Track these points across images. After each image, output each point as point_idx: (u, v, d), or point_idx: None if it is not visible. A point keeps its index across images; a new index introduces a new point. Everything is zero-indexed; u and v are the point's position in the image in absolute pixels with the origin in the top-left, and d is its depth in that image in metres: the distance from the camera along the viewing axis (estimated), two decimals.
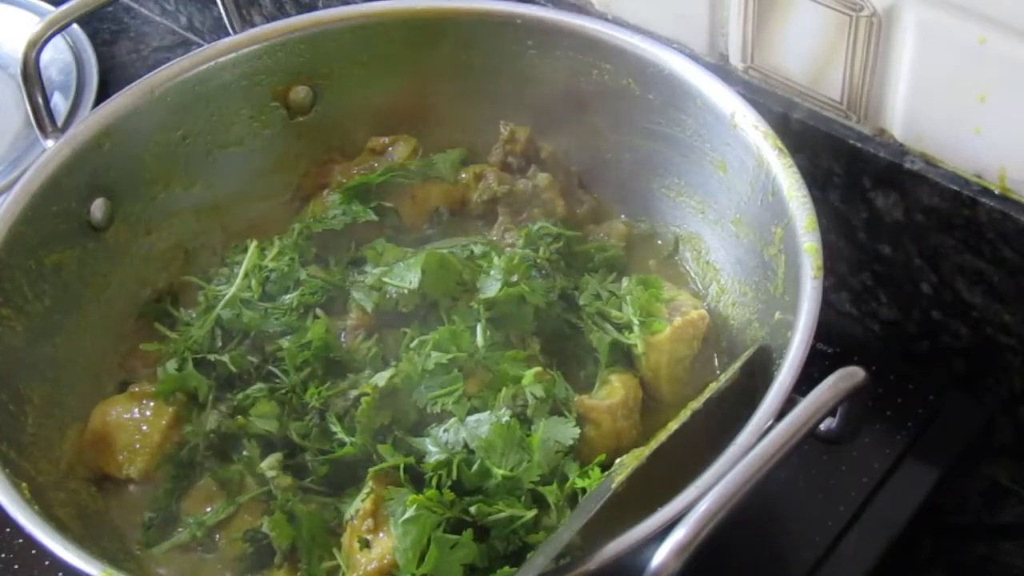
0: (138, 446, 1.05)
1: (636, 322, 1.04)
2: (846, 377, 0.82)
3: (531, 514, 0.92)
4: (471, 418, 0.97)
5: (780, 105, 1.12)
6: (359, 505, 0.95)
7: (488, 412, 0.97)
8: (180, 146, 1.17)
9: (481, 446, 0.94)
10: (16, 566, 1.07)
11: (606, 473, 0.94)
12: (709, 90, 1.07)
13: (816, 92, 1.11)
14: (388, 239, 1.16)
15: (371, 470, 0.97)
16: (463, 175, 1.22)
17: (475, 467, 0.94)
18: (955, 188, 1.04)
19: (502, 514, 0.92)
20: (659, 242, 1.17)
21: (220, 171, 1.20)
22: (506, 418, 0.95)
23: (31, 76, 1.11)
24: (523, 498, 0.93)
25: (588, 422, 0.99)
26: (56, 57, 1.54)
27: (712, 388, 0.96)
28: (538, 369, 1.01)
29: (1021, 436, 1.14)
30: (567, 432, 0.97)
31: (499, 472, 0.93)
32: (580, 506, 0.91)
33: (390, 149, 1.22)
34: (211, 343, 1.09)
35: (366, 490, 0.96)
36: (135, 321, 1.15)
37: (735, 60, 1.15)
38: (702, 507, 0.75)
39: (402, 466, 0.96)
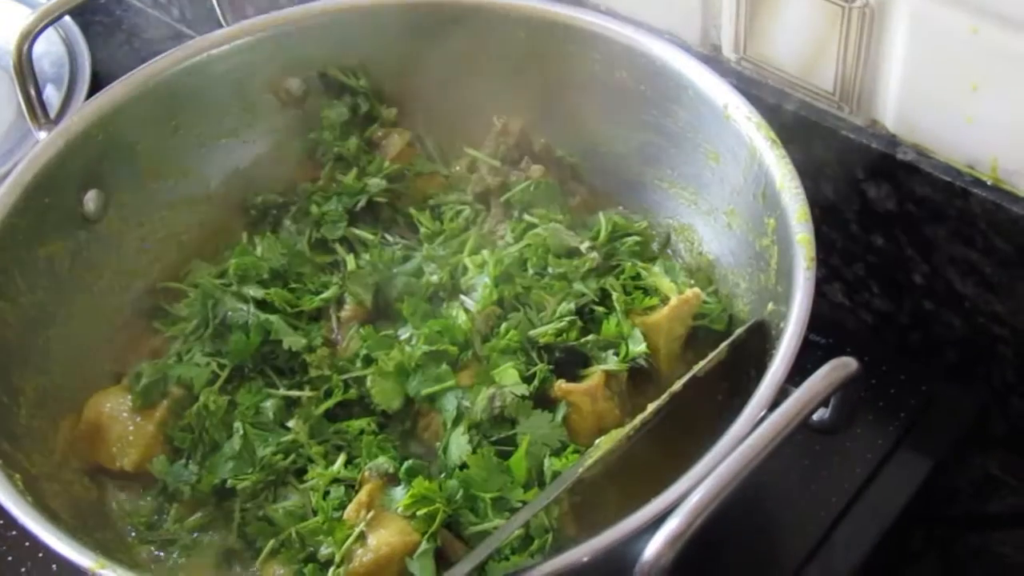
0: (131, 438, 1.05)
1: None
2: (839, 367, 0.82)
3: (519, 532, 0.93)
4: (452, 446, 0.98)
5: (773, 96, 1.12)
6: (357, 499, 0.96)
7: (459, 434, 0.98)
8: (173, 138, 1.17)
9: (461, 477, 0.95)
10: (10, 558, 1.07)
11: (579, 456, 0.95)
12: (702, 81, 1.07)
13: (809, 83, 1.11)
14: (384, 228, 1.18)
15: (365, 467, 0.98)
16: (456, 167, 1.22)
17: (460, 494, 0.95)
18: (947, 179, 1.04)
19: (489, 523, 0.93)
20: (652, 233, 1.16)
21: (213, 163, 1.20)
22: (471, 446, 0.96)
23: (23, 68, 1.11)
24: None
25: (568, 406, 0.99)
26: (49, 50, 1.54)
27: (695, 369, 0.96)
28: (518, 364, 1.01)
29: (1013, 427, 1.14)
30: (554, 434, 0.98)
31: (486, 496, 0.94)
32: (545, 489, 0.91)
33: (384, 142, 1.22)
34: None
35: (364, 484, 0.97)
36: (129, 313, 1.15)
37: (728, 51, 1.16)
38: (695, 497, 0.76)
39: (401, 468, 0.97)
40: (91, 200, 1.11)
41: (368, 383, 1.02)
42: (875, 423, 1.10)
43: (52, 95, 1.50)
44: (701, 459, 0.82)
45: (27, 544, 1.05)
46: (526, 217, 1.15)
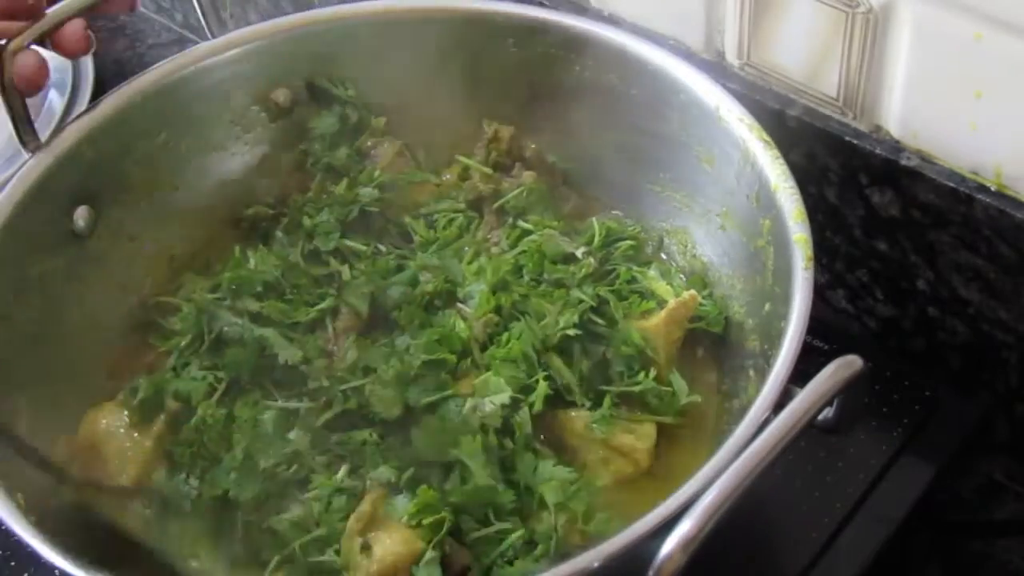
0: (129, 454, 1.04)
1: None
2: (844, 366, 0.82)
3: (519, 532, 0.94)
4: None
5: (777, 102, 1.13)
6: (360, 509, 0.95)
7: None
8: (162, 151, 1.16)
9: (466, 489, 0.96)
10: (13, 563, 1.07)
11: None
12: (693, 84, 1.07)
13: (813, 89, 1.11)
14: (376, 238, 1.18)
15: (368, 477, 0.98)
16: (447, 175, 1.22)
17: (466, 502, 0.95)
18: (951, 185, 1.04)
19: (492, 528, 0.94)
20: (645, 237, 1.16)
21: (202, 175, 1.20)
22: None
23: (10, 87, 1.05)
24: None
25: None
26: (51, 54, 1.53)
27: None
28: (519, 372, 1.01)
29: (1017, 433, 1.14)
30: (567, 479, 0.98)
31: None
32: None
33: (374, 152, 1.22)
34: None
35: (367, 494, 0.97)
36: (123, 328, 1.14)
37: (731, 57, 1.16)
38: (707, 499, 0.75)
39: (403, 477, 0.97)
40: (81, 217, 1.10)
41: (367, 392, 1.02)
42: (878, 429, 1.09)
43: (55, 100, 1.50)
44: (708, 461, 0.81)
45: (29, 550, 1.04)
46: (520, 223, 1.15)
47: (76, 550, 0.86)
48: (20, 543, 1.04)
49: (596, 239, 1.13)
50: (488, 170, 1.19)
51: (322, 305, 1.10)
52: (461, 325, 1.05)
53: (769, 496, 1.06)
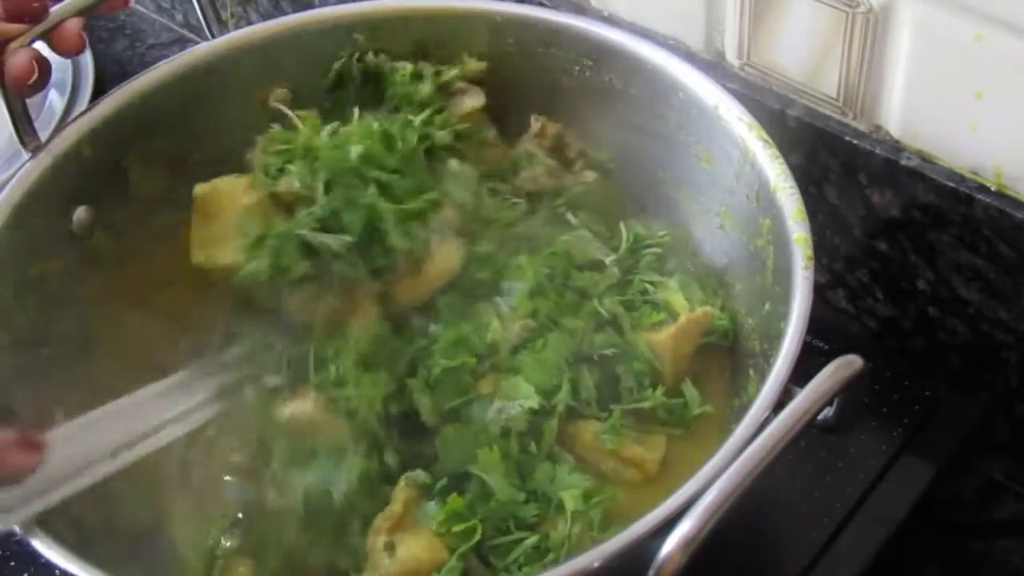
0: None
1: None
2: (844, 365, 0.81)
3: (533, 539, 0.93)
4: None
5: (777, 102, 1.13)
6: (390, 508, 0.95)
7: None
8: (160, 152, 1.15)
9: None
10: (13, 563, 1.07)
11: None
12: (692, 83, 1.06)
13: (813, 89, 1.11)
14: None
15: (403, 477, 0.97)
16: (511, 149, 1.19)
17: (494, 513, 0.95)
18: (951, 185, 1.04)
19: (510, 537, 0.93)
20: (673, 242, 1.15)
21: (201, 176, 1.19)
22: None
23: (9, 87, 1.05)
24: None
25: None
26: (51, 54, 1.53)
27: None
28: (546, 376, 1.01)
29: (1017, 433, 1.14)
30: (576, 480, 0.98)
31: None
32: None
33: (458, 97, 1.17)
34: None
35: (399, 494, 0.96)
36: None
37: (731, 57, 1.16)
38: (707, 499, 0.75)
39: (436, 485, 0.97)
40: (80, 217, 1.10)
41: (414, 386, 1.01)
42: (878, 429, 1.09)
43: (55, 100, 1.50)
44: (708, 461, 0.80)
45: (29, 549, 1.04)
46: (568, 217, 1.13)
47: (76, 550, 0.86)
48: (20, 543, 1.04)
49: (623, 245, 1.11)
50: (552, 163, 1.16)
51: (429, 196, 1.06)
52: (496, 325, 1.03)
53: (769, 496, 1.06)
